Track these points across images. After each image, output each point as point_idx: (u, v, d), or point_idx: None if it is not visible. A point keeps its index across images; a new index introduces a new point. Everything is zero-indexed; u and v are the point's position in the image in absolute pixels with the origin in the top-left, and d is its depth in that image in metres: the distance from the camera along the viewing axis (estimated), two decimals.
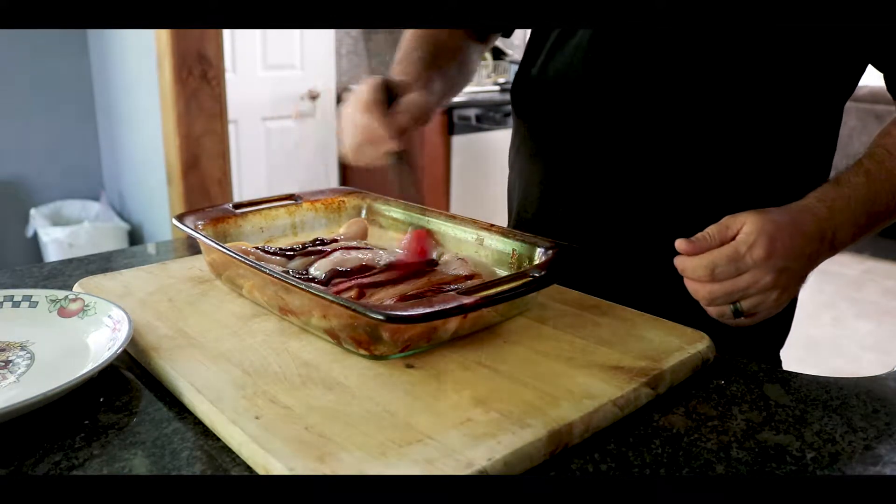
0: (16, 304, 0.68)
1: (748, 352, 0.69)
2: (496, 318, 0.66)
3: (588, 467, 0.49)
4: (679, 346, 0.63)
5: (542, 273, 0.62)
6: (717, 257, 0.63)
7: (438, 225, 0.81)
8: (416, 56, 0.88)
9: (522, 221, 0.93)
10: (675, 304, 0.78)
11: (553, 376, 0.57)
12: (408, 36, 0.93)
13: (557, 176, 0.87)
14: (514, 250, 0.73)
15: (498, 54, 3.83)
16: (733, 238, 0.64)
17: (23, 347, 0.62)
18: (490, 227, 0.77)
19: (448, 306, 0.54)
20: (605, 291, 0.75)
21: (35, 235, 2.67)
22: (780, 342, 0.90)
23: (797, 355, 2.67)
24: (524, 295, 0.60)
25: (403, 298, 0.63)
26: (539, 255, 0.70)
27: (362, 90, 0.72)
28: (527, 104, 0.93)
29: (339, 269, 0.70)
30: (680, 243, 0.64)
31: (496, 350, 0.62)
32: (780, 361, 0.89)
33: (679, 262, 0.65)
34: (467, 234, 0.78)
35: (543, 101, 0.89)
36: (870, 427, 0.55)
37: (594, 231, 0.84)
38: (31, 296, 0.69)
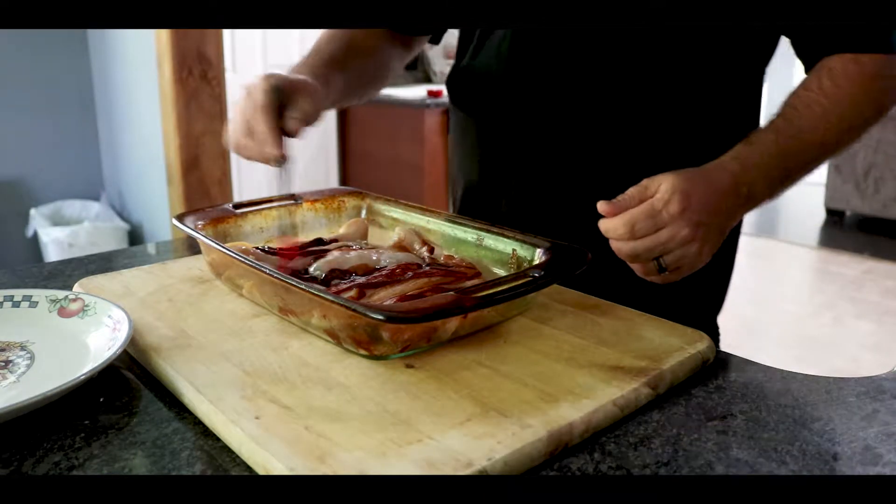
0: (16, 304, 0.68)
1: (687, 319, 0.70)
2: (496, 318, 0.66)
3: (588, 467, 0.49)
4: (679, 346, 0.63)
5: (542, 273, 0.62)
6: (635, 214, 0.66)
7: (438, 225, 0.81)
8: (327, 51, 0.90)
9: (466, 210, 0.97)
10: (675, 304, 0.78)
11: (553, 376, 0.57)
12: (323, 31, 0.95)
13: (495, 163, 0.92)
14: (514, 250, 0.73)
15: None
16: (652, 197, 0.67)
17: (23, 347, 0.62)
18: (490, 227, 0.77)
19: (448, 306, 0.54)
20: (605, 291, 0.75)
21: (35, 235, 2.67)
22: (717, 308, 0.95)
23: (797, 355, 2.68)
24: (524, 295, 0.60)
25: (403, 298, 0.63)
26: (539, 255, 0.70)
27: (256, 90, 0.73)
28: (461, 94, 0.96)
29: (339, 268, 0.70)
30: (601, 205, 0.67)
31: (496, 350, 0.62)
32: (717, 328, 0.94)
33: (602, 224, 0.68)
34: (467, 234, 0.78)
35: (475, 91, 0.93)
36: (870, 427, 0.55)
37: (534, 213, 0.89)
38: (31, 296, 0.69)
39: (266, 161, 0.75)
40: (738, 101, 0.87)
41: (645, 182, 0.68)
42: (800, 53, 0.81)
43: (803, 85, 0.78)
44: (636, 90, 0.83)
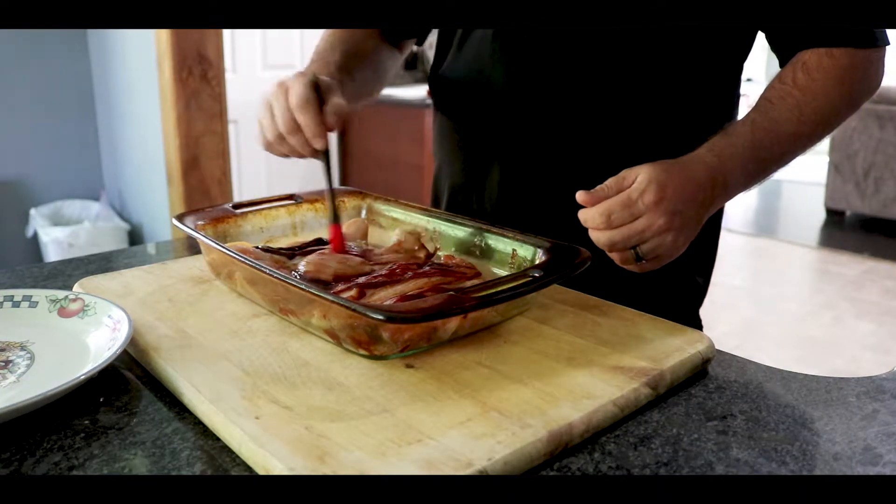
0: (16, 304, 0.68)
1: (668, 312, 0.71)
2: (496, 318, 0.66)
3: (588, 467, 0.49)
4: (679, 346, 0.63)
5: (542, 273, 0.62)
6: (611, 204, 0.68)
7: (438, 225, 0.81)
8: (331, 59, 0.91)
9: (454, 204, 0.98)
10: (675, 304, 0.78)
11: (553, 376, 0.57)
12: (323, 37, 0.97)
13: (479, 164, 0.93)
14: (514, 250, 0.73)
15: None
16: (629, 187, 0.68)
17: (23, 347, 0.62)
18: (490, 227, 0.77)
19: (448, 306, 0.54)
20: (605, 291, 0.75)
21: (35, 235, 2.67)
22: (698, 301, 0.96)
23: (797, 355, 2.68)
24: (524, 295, 0.60)
25: (403, 298, 0.63)
26: (539, 255, 0.70)
27: (295, 86, 0.75)
28: (446, 92, 0.98)
29: (318, 277, 0.69)
30: (580, 195, 0.69)
31: (496, 350, 0.62)
32: (699, 320, 0.95)
33: (580, 214, 0.69)
34: (467, 234, 0.78)
35: (458, 92, 0.95)
36: (870, 427, 0.55)
37: (520, 213, 0.90)
38: (31, 296, 0.69)
39: (311, 155, 0.77)
40: (718, 94, 0.88)
41: (623, 173, 0.70)
42: (775, 48, 0.83)
43: (778, 78, 0.80)
44: (618, 87, 0.84)
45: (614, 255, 0.70)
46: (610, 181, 0.69)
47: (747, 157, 0.75)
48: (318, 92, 0.75)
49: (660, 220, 0.67)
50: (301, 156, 0.77)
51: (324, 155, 0.76)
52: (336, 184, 3.61)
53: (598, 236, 0.69)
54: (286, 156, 0.79)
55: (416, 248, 0.78)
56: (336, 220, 0.77)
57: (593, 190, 0.69)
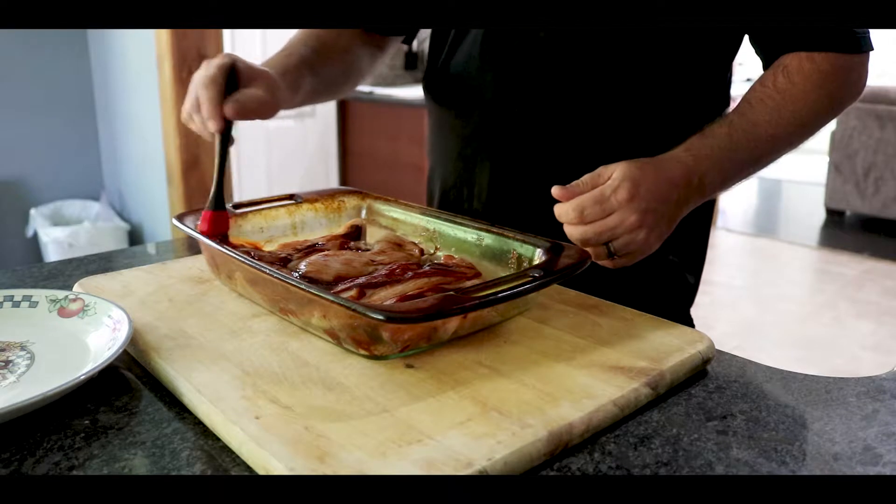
0: (16, 304, 0.68)
1: (660, 311, 0.71)
2: (496, 318, 0.66)
3: (588, 467, 0.49)
4: (679, 346, 0.63)
5: (542, 273, 0.62)
6: (584, 200, 0.68)
7: (438, 225, 0.81)
8: (296, 52, 0.91)
9: (445, 204, 0.99)
10: (666, 304, 0.78)
11: (553, 376, 0.57)
12: (298, 31, 0.97)
13: (472, 163, 0.93)
14: (514, 250, 0.73)
15: None
16: (604, 184, 0.69)
17: (23, 347, 0.63)
18: (490, 227, 0.77)
19: (448, 306, 0.54)
20: (605, 291, 0.75)
21: (35, 235, 2.67)
22: (689, 301, 0.96)
23: (797, 355, 2.68)
24: (524, 295, 0.60)
25: (403, 298, 0.63)
26: (539, 255, 0.70)
27: (210, 65, 0.75)
28: (438, 94, 0.99)
29: (317, 278, 0.69)
30: (555, 190, 0.70)
31: (496, 350, 0.62)
32: (691, 319, 0.96)
33: (556, 209, 0.70)
34: (467, 234, 0.78)
35: (449, 94, 0.96)
36: (870, 427, 0.55)
37: (512, 212, 0.89)
38: (31, 296, 0.69)
39: (207, 136, 0.77)
40: (707, 93, 0.89)
41: (599, 169, 0.70)
42: (758, 50, 0.84)
43: (759, 81, 0.80)
44: (605, 87, 0.84)
45: (588, 251, 0.70)
46: (585, 177, 0.70)
47: (724, 158, 0.75)
48: (233, 77, 0.75)
49: (631, 217, 0.68)
50: (206, 136, 0.77)
51: (221, 137, 0.74)
52: (339, 184, 3.59)
53: (572, 231, 0.69)
54: (199, 133, 0.79)
55: (401, 250, 0.78)
56: (214, 207, 0.75)
57: (568, 185, 0.70)
